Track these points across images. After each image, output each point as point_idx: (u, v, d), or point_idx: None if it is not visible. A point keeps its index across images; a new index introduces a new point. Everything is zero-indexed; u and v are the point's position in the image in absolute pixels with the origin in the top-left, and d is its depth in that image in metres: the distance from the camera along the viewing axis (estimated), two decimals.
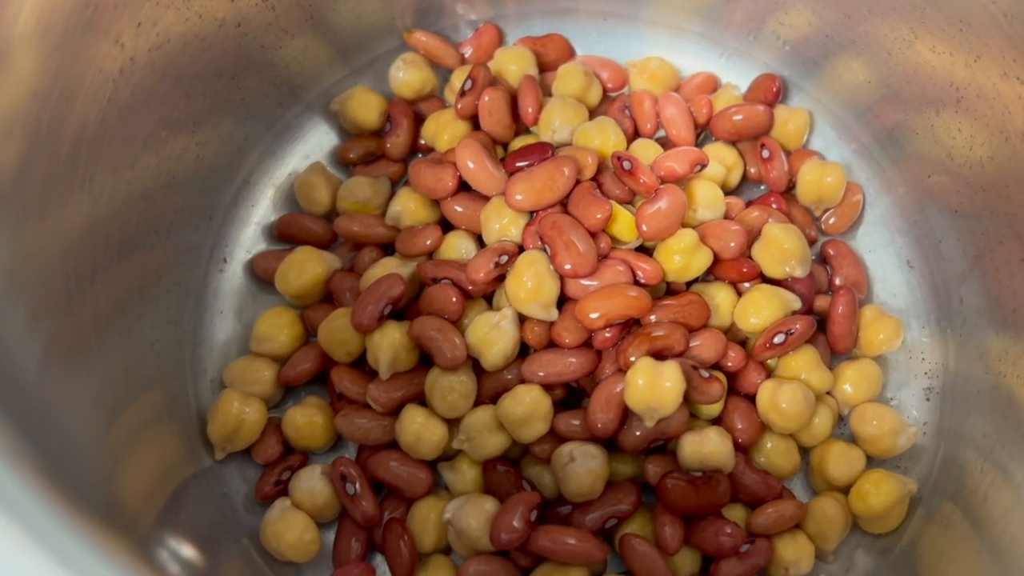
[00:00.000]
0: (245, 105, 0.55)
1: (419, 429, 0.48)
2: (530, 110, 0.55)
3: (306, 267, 0.53)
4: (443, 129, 0.56)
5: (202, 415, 0.51)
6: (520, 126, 0.57)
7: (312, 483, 0.49)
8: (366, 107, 0.58)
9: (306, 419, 0.51)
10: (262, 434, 0.51)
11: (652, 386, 0.46)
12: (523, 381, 0.49)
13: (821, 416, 0.50)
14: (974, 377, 0.51)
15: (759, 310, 0.50)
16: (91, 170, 0.42)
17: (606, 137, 0.54)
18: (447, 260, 0.52)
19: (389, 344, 0.49)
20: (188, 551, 0.44)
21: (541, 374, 0.49)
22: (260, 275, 0.55)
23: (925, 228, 0.55)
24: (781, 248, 0.51)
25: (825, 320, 0.53)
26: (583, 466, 0.47)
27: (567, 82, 0.57)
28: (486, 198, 0.53)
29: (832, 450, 0.50)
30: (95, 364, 0.42)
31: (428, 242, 0.53)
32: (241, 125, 0.55)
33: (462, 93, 0.55)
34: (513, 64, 0.58)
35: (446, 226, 0.54)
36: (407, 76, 0.58)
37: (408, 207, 0.54)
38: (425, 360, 0.50)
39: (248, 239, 0.57)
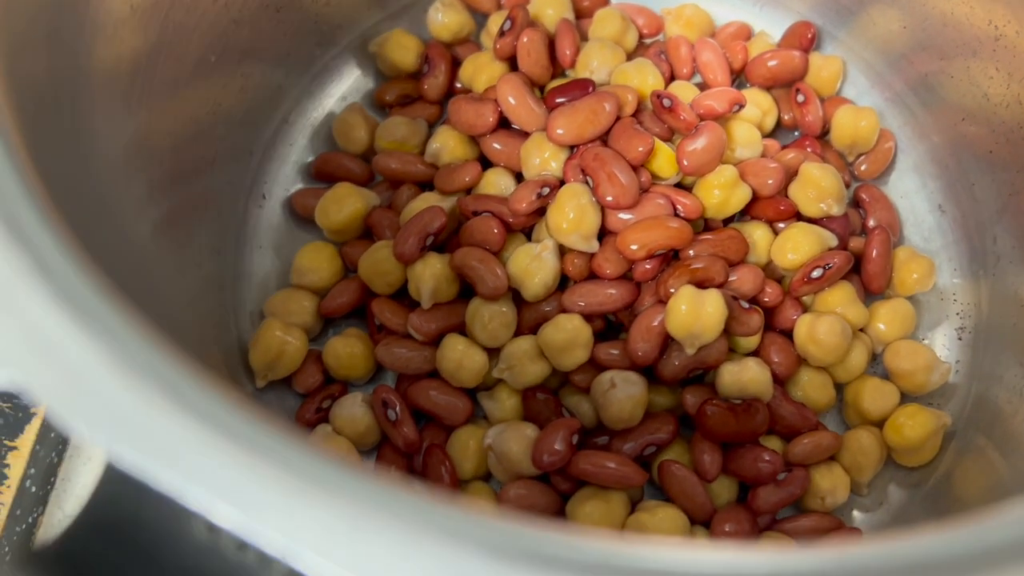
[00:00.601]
0: (287, 41, 0.55)
1: (460, 357, 0.49)
2: (568, 52, 0.56)
3: (346, 202, 0.53)
4: (481, 71, 0.57)
5: (243, 345, 0.52)
6: (557, 69, 0.57)
7: (353, 410, 0.50)
8: (404, 49, 0.58)
9: (347, 348, 0.51)
10: (303, 363, 0.52)
11: (694, 313, 0.47)
12: (563, 311, 0.50)
13: (856, 352, 0.51)
14: (1007, 316, 0.51)
15: (797, 246, 0.51)
16: (147, 84, 0.42)
17: (644, 78, 0.54)
18: (488, 194, 0.53)
19: (431, 274, 0.49)
20: None
21: (582, 304, 0.49)
22: (299, 212, 0.56)
23: (958, 172, 0.55)
24: (818, 187, 0.51)
25: (859, 260, 0.53)
26: (623, 391, 0.47)
27: (604, 26, 0.58)
28: (525, 135, 0.53)
29: (867, 385, 0.51)
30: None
31: (467, 178, 0.53)
32: (282, 63, 0.56)
33: (501, 34, 0.56)
34: (550, 8, 0.58)
35: (484, 164, 0.55)
36: (445, 19, 0.59)
37: (447, 144, 0.55)
38: (465, 293, 0.51)
39: (286, 177, 0.57)
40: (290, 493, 0.20)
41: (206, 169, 0.50)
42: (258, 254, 0.55)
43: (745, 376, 0.48)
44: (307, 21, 0.56)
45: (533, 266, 0.49)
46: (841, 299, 0.51)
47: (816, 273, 0.50)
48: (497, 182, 0.53)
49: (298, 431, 0.34)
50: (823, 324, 0.49)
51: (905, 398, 0.52)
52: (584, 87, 0.52)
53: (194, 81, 0.47)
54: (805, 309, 0.52)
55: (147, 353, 0.22)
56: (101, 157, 0.35)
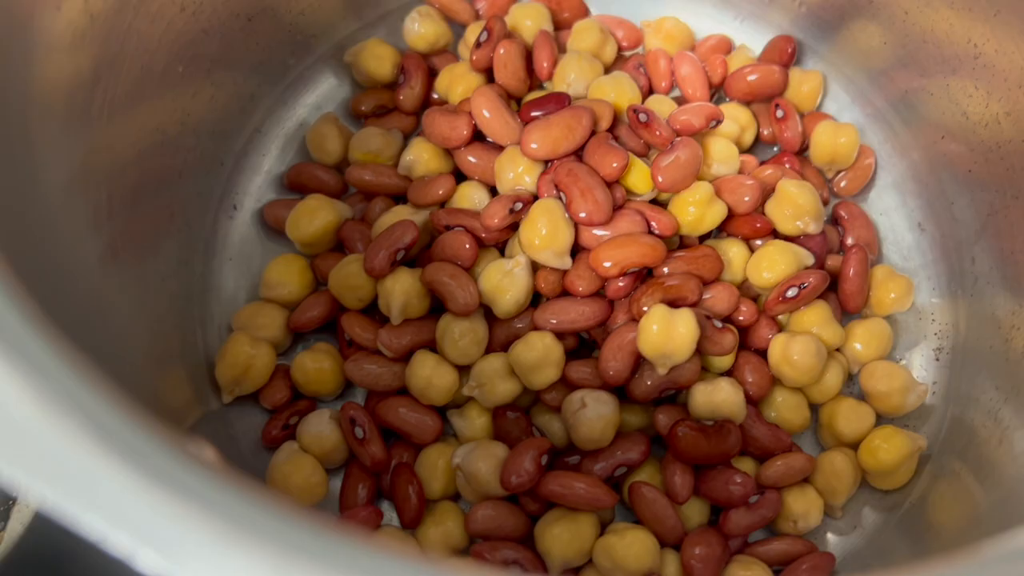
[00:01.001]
0: (259, 50, 0.54)
1: (429, 374, 0.48)
2: (545, 64, 0.55)
3: (317, 214, 0.52)
4: (457, 81, 0.56)
5: (210, 359, 0.51)
6: (534, 81, 0.57)
7: (320, 427, 0.49)
8: (379, 59, 0.58)
9: (315, 364, 0.50)
10: (270, 379, 0.51)
11: (666, 332, 0.46)
12: (535, 329, 0.49)
13: (831, 372, 0.50)
14: (984, 338, 0.51)
15: (772, 264, 0.50)
16: (110, 94, 0.41)
17: (622, 91, 0.53)
18: (460, 208, 0.52)
19: (401, 289, 0.49)
20: None
21: (553, 321, 0.49)
22: (270, 224, 0.55)
23: (937, 190, 0.55)
24: (795, 204, 0.51)
25: (836, 279, 0.53)
26: (594, 411, 0.46)
27: (582, 38, 0.57)
28: (499, 149, 0.52)
29: (842, 406, 0.50)
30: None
31: (441, 191, 0.53)
32: (254, 72, 0.55)
33: (477, 45, 0.55)
34: (528, 19, 0.58)
35: (459, 177, 0.54)
36: (422, 29, 0.58)
37: (421, 157, 0.54)
38: (437, 309, 0.50)
39: (258, 188, 0.56)
40: (216, 538, 0.19)
41: (174, 180, 0.49)
42: (228, 266, 0.54)
43: (718, 397, 0.47)
44: (280, 30, 0.55)
45: (505, 282, 0.49)
46: (817, 319, 0.50)
47: (791, 292, 0.49)
48: (471, 196, 0.53)
49: (228, 472, 0.33)
50: (798, 344, 0.48)
51: (881, 420, 0.51)
52: (560, 101, 0.52)
53: (160, 91, 0.46)
54: (780, 328, 0.51)
55: (72, 386, 0.21)
56: (51, 175, 0.34)
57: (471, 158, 0.53)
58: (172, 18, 0.45)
